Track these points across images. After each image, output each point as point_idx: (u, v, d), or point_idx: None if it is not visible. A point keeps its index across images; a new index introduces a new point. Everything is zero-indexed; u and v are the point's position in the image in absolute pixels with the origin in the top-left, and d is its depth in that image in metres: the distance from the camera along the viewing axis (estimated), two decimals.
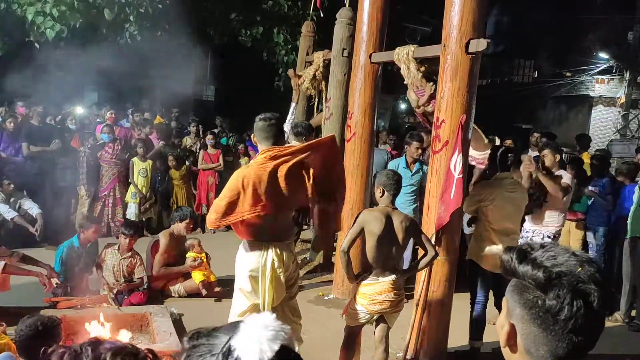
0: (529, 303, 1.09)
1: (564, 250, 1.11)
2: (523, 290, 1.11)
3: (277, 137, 3.72)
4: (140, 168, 8.22)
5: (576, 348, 1.08)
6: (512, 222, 4.87)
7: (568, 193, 5.66)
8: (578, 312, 1.05)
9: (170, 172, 8.66)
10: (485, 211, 4.79)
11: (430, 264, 4.15)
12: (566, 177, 5.73)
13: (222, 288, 6.11)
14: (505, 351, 1.18)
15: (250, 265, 3.67)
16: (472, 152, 5.16)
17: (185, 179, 8.75)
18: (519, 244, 4.72)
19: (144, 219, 8.24)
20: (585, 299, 1.05)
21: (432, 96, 4.94)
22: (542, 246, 1.13)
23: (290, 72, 7.87)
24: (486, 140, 5.29)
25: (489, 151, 5.14)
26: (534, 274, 1.08)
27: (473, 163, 5.46)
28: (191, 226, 6.26)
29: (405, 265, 4.97)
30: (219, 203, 3.64)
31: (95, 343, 1.24)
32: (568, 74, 16.49)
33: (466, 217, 5.15)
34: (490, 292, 4.93)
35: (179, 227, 6.13)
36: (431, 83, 4.93)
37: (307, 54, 7.90)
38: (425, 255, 3.96)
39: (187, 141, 9.63)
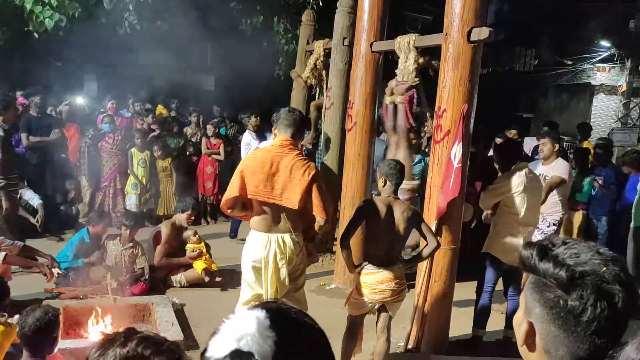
0: (549, 302, 1.05)
1: (587, 248, 1.07)
2: (543, 289, 1.07)
3: (297, 129, 3.75)
4: (139, 158, 8.19)
5: (598, 349, 1.04)
6: (534, 211, 4.83)
7: (563, 184, 5.69)
8: (602, 314, 1.01)
9: (155, 162, 8.56)
10: (508, 203, 4.68)
11: (432, 255, 4.16)
12: (562, 167, 5.71)
13: (224, 277, 6.14)
14: (523, 350, 1.14)
15: (254, 256, 3.68)
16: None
17: (170, 170, 8.56)
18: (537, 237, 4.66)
19: (144, 210, 8.23)
20: (610, 300, 1.01)
21: (410, 88, 4.91)
22: (564, 243, 1.09)
23: (294, 73, 7.81)
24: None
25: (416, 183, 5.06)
26: (556, 272, 1.04)
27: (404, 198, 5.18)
28: (192, 218, 6.26)
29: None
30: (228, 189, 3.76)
31: (131, 332, 1.25)
32: (569, 63, 16.42)
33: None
34: (500, 280, 4.92)
35: (180, 218, 6.14)
36: (417, 78, 4.93)
37: (308, 43, 7.86)
38: (427, 246, 3.96)
39: (188, 131, 9.60)
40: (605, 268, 1.03)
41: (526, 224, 4.73)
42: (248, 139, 7.57)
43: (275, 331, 0.87)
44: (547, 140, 5.80)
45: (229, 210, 3.85)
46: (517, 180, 4.70)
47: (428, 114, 5.42)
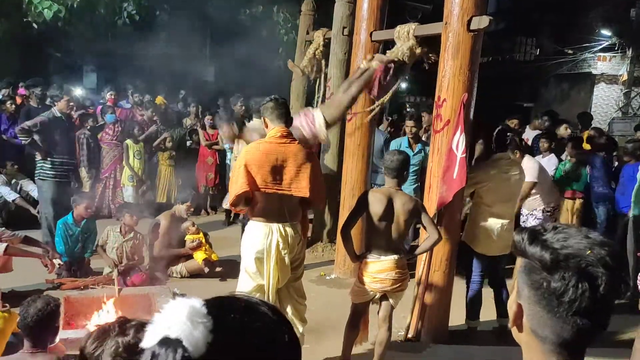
0: (535, 284, 1.09)
1: (577, 232, 1.09)
2: (531, 271, 1.10)
3: (289, 117, 3.73)
4: (134, 150, 8.19)
5: (581, 331, 1.07)
6: (508, 205, 4.83)
7: (535, 185, 5.80)
8: (583, 295, 1.03)
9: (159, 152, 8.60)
10: (481, 193, 4.73)
11: (432, 248, 4.17)
12: (528, 169, 5.53)
13: (224, 267, 6.16)
14: (514, 330, 1.18)
15: (256, 247, 3.68)
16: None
17: (173, 160, 8.63)
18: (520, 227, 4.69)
19: (141, 202, 8.22)
20: (592, 282, 1.03)
21: (391, 63, 4.71)
22: (555, 227, 1.12)
23: (290, 63, 7.79)
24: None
25: None
26: (542, 255, 1.07)
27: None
28: (192, 209, 6.27)
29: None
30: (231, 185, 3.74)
31: (124, 321, 1.25)
32: (570, 52, 16.35)
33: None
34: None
35: (179, 209, 6.16)
36: (406, 61, 4.79)
37: (307, 33, 7.83)
38: (428, 238, 3.96)
39: (187, 122, 9.60)
40: (590, 251, 1.05)
41: (499, 216, 4.72)
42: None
43: (213, 318, 0.85)
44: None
45: (232, 207, 3.84)
46: (490, 172, 4.69)
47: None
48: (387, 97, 4.99)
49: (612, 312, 1.08)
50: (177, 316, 0.84)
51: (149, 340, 0.85)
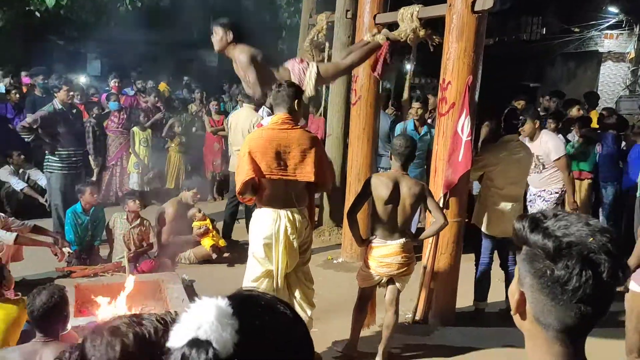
0: (538, 272, 1.09)
1: (577, 219, 1.10)
2: (533, 260, 1.11)
3: (291, 103, 3.70)
4: (141, 137, 8.21)
5: (585, 317, 1.08)
6: (518, 186, 4.84)
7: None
8: (587, 282, 1.04)
9: (169, 134, 8.63)
10: (490, 176, 4.73)
11: (438, 232, 4.18)
12: (552, 143, 5.61)
13: (231, 253, 6.20)
14: (516, 318, 1.19)
15: (264, 233, 3.70)
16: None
17: (182, 146, 8.67)
18: (526, 208, 4.68)
19: (147, 189, 8.26)
20: (595, 269, 1.04)
21: (396, 42, 4.71)
22: (555, 215, 1.12)
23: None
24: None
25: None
26: (544, 243, 1.07)
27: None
28: (198, 196, 6.30)
29: (413, 228, 4.97)
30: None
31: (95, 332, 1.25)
32: (576, 30, 16.16)
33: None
34: (496, 253, 4.96)
35: (186, 196, 6.18)
36: (411, 41, 4.77)
37: (310, 17, 7.77)
38: (434, 222, 3.97)
39: (193, 108, 9.59)
40: (592, 239, 1.06)
41: (509, 198, 4.73)
42: (261, 114, 7.50)
43: (238, 319, 0.86)
44: (527, 119, 5.69)
45: (240, 196, 3.84)
46: (500, 154, 4.69)
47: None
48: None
49: (613, 298, 1.09)
50: (205, 317, 0.85)
51: (177, 340, 0.86)
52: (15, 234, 4.91)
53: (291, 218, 3.71)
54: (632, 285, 3.73)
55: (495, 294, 5.01)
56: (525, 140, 5.74)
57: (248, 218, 6.58)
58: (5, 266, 3.66)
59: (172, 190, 7.97)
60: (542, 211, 1.15)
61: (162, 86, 10.72)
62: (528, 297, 1.14)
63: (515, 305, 1.17)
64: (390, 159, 3.99)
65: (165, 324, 1.31)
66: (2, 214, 5.27)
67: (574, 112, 7.97)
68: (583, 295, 1.05)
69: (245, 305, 0.91)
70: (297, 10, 10.44)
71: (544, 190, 5.84)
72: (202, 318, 0.85)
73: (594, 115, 8.07)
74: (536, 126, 5.65)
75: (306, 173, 3.66)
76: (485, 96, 4.72)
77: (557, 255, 1.06)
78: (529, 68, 18.08)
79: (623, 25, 15.37)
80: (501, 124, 4.85)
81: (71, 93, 6.57)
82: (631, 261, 3.60)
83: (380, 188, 3.84)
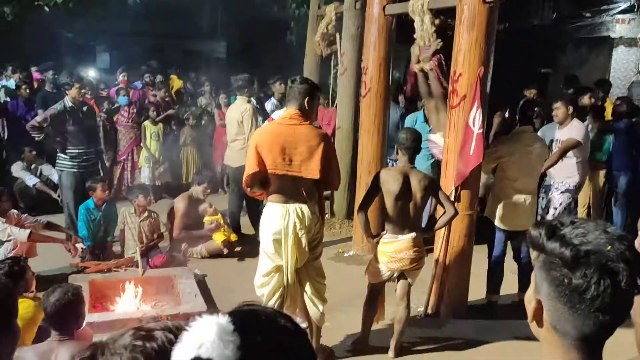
0: (555, 281, 1.08)
1: (595, 227, 1.08)
2: (550, 268, 1.09)
3: (302, 99, 3.69)
4: (152, 131, 8.22)
5: (602, 326, 1.07)
6: (532, 178, 4.81)
7: (579, 146, 5.57)
8: (605, 291, 1.03)
9: (183, 129, 8.65)
10: (504, 167, 4.71)
11: (449, 223, 4.16)
12: (577, 129, 5.55)
13: (243, 247, 6.21)
14: (533, 325, 1.18)
15: (274, 228, 3.70)
16: (434, 137, 5.06)
17: (196, 139, 8.72)
18: (539, 203, 4.61)
19: (158, 183, 8.28)
20: (613, 277, 1.03)
21: (436, 52, 4.82)
22: (573, 222, 1.11)
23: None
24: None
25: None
26: (562, 251, 1.06)
27: (435, 151, 5.25)
28: (208, 190, 6.31)
29: (424, 221, 4.96)
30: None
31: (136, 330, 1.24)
32: (588, 15, 15.94)
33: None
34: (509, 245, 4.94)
35: (197, 190, 6.19)
36: (439, 40, 4.81)
37: (319, 8, 7.72)
38: (444, 214, 3.96)
39: (202, 101, 9.57)
40: (610, 247, 1.05)
41: (522, 190, 4.70)
42: (269, 108, 7.48)
43: (239, 335, 0.86)
44: (560, 104, 5.64)
45: (248, 189, 3.86)
46: (513, 146, 4.65)
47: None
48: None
49: (632, 306, 1.08)
50: (206, 335, 0.85)
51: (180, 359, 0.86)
52: (28, 230, 4.96)
53: (300, 214, 3.71)
54: None
55: (508, 287, 4.99)
56: (555, 126, 5.69)
57: (250, 214, 6.63)
58: (29, 268, 3.68)
59: (183, 185, 8.01)
60: (559, 218, 1.14)
61: (175, 80, 10.67)
62: (545, 305, 1.13)
63: (532, 313, 1.16)
64: (397, 153, 3.97)
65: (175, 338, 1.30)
66: (16, 211, 5.32)
67: (586, 100, 7.86)
68: (601, 304, 1.04)
69: (246, 320, 0.91)
70: (305, 1, 10.39)
71: (562, 182, 5.77)
72: (203, 337, 0.86)
73: (608, 105, 7.94)
74: (569, 112, 5.60)
75: (311, 170, 3.64)
76: (497, 84, 4.68)
77: (574, 264, 1.05)
78: (540, 54, 17.89)
79: (635, 10, 15.14)
80: (515, 115, 4.81)
81: (83, 90, 6.52)
82: None
83: (390, 182, 3.83)
